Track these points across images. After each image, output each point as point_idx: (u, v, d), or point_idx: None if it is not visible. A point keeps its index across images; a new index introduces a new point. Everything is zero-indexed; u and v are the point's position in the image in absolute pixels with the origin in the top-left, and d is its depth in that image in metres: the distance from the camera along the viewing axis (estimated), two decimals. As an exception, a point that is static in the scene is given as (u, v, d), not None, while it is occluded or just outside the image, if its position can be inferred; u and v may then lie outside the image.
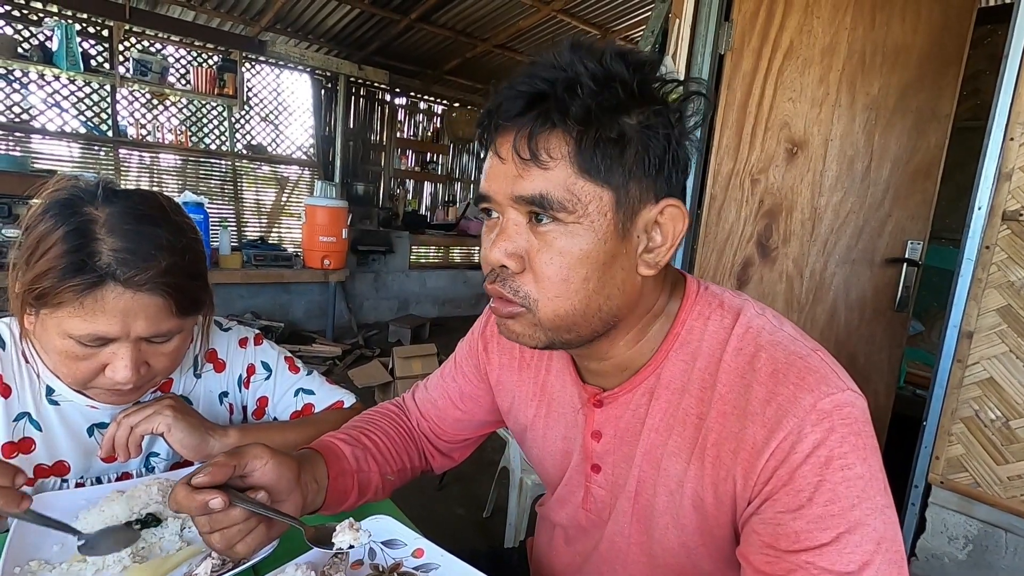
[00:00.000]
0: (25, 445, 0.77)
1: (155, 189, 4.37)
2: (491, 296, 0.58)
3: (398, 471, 0.82)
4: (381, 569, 0.67)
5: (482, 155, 0.57)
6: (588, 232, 0.53)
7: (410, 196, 6.24)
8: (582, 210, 0.52)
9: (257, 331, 0.99)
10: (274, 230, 5.20)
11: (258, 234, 5.05)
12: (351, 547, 0.60)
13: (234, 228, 4.82)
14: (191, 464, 0.82)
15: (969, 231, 1.50)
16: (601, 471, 0.68)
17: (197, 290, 0.75)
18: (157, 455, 0.88)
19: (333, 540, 0.60)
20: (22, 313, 0.71)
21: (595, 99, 0.50)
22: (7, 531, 0.67)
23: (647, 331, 0.62)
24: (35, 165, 3.79)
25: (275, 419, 0.98)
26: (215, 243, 4.10)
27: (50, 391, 0.79)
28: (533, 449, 0.78)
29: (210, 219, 3.93)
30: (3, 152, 3.78)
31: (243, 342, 0.95)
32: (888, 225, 1.96)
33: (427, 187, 6.42)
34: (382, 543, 0.70)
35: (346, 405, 1.00)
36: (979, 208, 1.48)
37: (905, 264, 1.96)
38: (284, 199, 5.20)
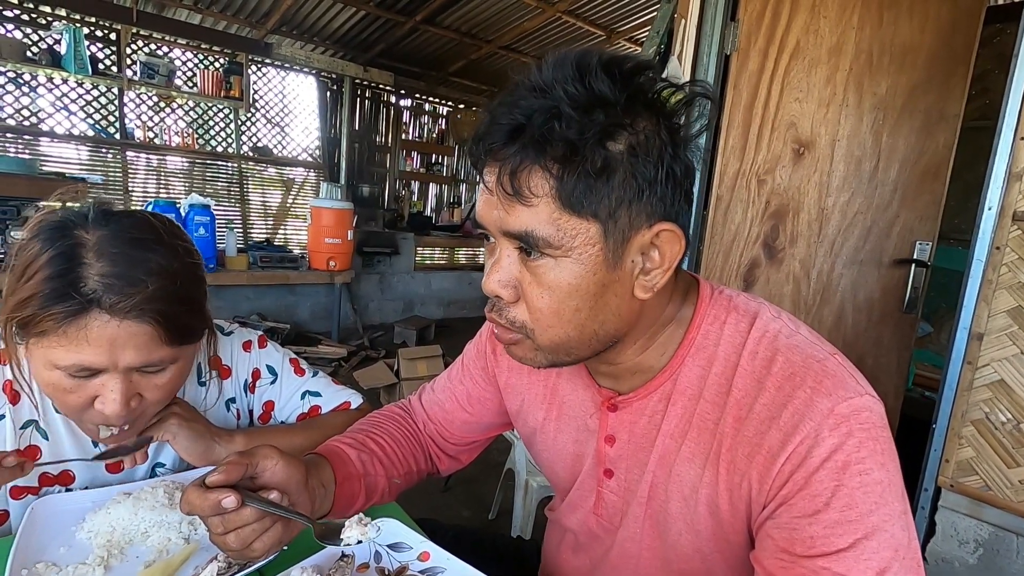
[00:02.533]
0: (31, 453, 0.76)
1: (160, 195, 4.41)
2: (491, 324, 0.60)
3: (404, 474, 0.82)
4: (387, 572, 0.67)
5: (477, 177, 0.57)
6: (576, 265, 0.52)
7: (415, 197, 6.25)
8: (568, 244, 0.51)
9: (260, 333, 0.97)
10: (280, 232, 5.21)
11: (264, 236, 5.07)
12: (359, 542, 0.60)
13: (240, 230, 4.84)
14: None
15: (979, 232, 1.49)
16: (613, 476, 0.68)
17: (189, 317, 0.70)
18: (163, 465, 0.87)
19: (342, 536, 0.60)
20: (10, 341, 0.68)
21: (576, 131, 0.48)
22: (12, 534, 0.67)
23: (656, 338, 0.62)
24: (43, 168, 3.81)
25: (282, 423, 0.97)
26: (221, 245, 4.12)
27: None
28: (543, 452, 0.77)
29: (216, 221, 3.95)
30: (12, 155, 3.81)
31: (247, 345, 0.94)
32: (896, 226, 1.95)
33: (432, 188, 6.42)
34: (387, 546, 0.70)
35: (353, 406, 0.99)
36: (989, 208, 1.47)
37: (913, 265, 1.95)
38: (290, 201, 5.22)
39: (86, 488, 0.81)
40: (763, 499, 0.55)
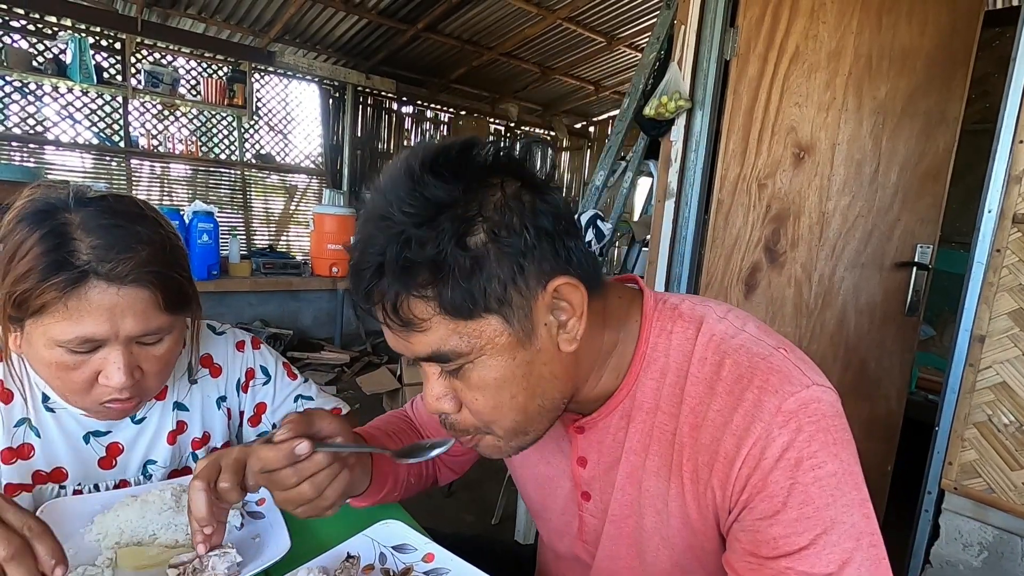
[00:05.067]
0: (24, 451, 0.77)
1: (164, 202, 4.42)
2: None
3: (416, 475, 0.83)
4: (392, 573, 0.67)
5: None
6: (494, 359, 0.52)
7: (417, 204, 6.27)
8: (477, 345, 0.51)
9: (253, 335, 0.98)
10: (283, 238, 5.23)
11: (267, 242, 5.09)
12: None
13: (243, 236, 4.86)
14: (190, 472, 0.82)
15: (979, 234, 1.49)
16: (591, 499, 0.68)
17: (182, 284, 0.73)
18: (154, 463, 0.87)
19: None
20: (6, 331, 0.69)
21: (432, 248, 0.47)
22: None
23: (608, 363, 0.61)
24: (48, 176, 3.84)
25: (274, 426, 0.97)
26: (224, 251, 4.13)
27: (45, 398, 0.79)
28: (517, 471, 0.78)
29: (220, 228, 3.96)
30: (17, 163, 3.84)
31: (240, 345, 0.95)
32: (897, 229, 1.95)
33: (434, 194, 6.44)
34: (392, 548, 0.71)
35: (343, 413, 1.00)
36: (989, 211, 1.47)
37: (915, 268, 1.95)
38: (292, 207, 5.24)
39: (79, 484, 0.81)
40: (727, 504, 0.55)
